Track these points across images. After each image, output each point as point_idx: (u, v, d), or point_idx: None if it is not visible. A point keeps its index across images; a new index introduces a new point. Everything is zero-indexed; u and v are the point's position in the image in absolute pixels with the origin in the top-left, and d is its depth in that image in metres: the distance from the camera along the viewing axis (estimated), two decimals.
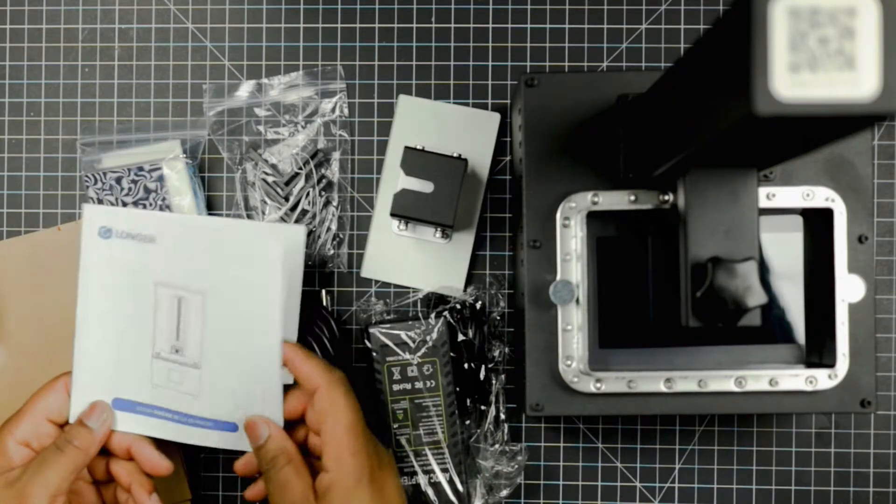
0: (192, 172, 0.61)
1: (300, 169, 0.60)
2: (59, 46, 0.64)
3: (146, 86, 0.63)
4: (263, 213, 0.60)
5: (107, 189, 0.60)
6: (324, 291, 0.62)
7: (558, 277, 0.52)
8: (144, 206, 0.60)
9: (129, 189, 0.60)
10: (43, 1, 0.64)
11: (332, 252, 0.61)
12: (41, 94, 0.64)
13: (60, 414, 0.51)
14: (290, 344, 0.51)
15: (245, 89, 0.62)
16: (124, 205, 0.60)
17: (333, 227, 0.61)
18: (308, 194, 0.60)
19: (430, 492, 0.59)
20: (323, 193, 0.61)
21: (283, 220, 0.60)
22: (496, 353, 0.61)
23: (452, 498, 0.59)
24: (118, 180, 0.60)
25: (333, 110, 0.62)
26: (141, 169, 0.60)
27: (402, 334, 0.59)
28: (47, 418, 0.51)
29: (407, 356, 0.59)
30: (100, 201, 0.60)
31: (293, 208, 0.60)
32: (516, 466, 0.59)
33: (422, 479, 0.59)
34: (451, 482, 0.59)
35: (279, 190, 0.60)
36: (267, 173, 0.60)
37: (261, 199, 0.60)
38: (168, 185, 0.59)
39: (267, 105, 0.62)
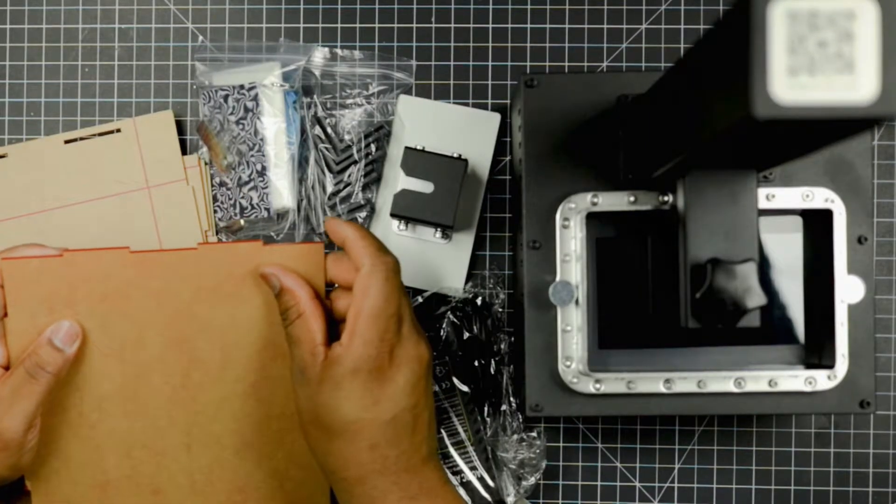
0: (290, 98, 0.61)
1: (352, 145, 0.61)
2: (59, 46, 0.64)
3: (146, 86, 0.63)
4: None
5: (216, 107, 0.61)
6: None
7: (558, 278, 0.52)
8: (243, 126, 0.60)
9: (233, 108, 0.61)
10: (43, 1, 0.64)
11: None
12: (41, 94, 0.64)
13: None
14: (353, 224, 0.50)
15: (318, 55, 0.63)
16: (229, 123, 0.61)
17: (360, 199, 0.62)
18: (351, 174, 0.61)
19: (462, 492, 0.60)
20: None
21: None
22: (502, 346, 0.61)
23: (485, 495, 0.59)
24: (226, 98, 0.61)
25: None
26: (242, 87, 0.61)
27: None
28: None
29: None
30: (211, 119, 0.61)
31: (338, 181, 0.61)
32: (538, 451, 0.59)
33: (452, 481, 0.60)
34: (481, 479, 0.60)
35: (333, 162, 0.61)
36: (321, 139, 0.61)
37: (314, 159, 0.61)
38: (261, 107, 0.60)
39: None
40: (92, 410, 0.52)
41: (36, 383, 0.47)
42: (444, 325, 0.59)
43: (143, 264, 0.50)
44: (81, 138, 0.62)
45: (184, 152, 0.63)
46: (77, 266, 0.49)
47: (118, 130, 0.62)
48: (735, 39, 0.31)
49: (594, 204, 0.52)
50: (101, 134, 0.62)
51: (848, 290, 0.51)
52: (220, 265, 0.51)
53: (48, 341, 0.49)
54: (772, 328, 0.54)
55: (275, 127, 0.60)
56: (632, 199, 0.51)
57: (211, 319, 0.51)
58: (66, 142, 0.62)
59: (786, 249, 0.54)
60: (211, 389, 0.52)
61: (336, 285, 0.51)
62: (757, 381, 0.51)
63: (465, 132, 0.62)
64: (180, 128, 0.63)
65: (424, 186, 0.58)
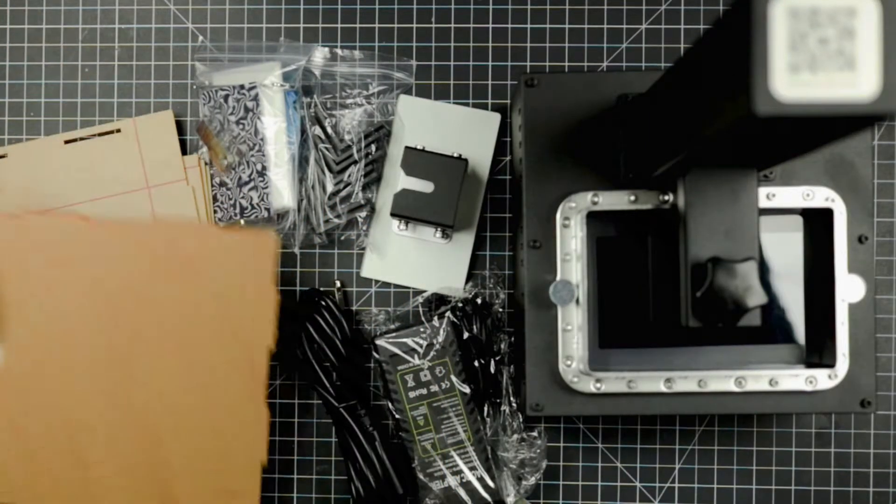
0: (290, 98, 0.61)
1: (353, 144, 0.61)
2: (59, 46, 0.64)
3: (146, 86, 0.63)
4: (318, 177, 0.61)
5: (216, 107, 0.61)
6: (339, 283, 0.62)
7: (558, 277, 0.52)
8: (243, 126, 0.60)
9: (234, 108, 0.61)
10: (43, 1, 0.64)
11: (361, 231, 0.62)
12: (41, 94, 0.64)
13: None
14: None
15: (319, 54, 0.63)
16: (229, 123, 0.61)
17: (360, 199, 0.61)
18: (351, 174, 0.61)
19: (462, 492, 0.59)
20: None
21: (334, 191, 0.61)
22: (502, 346, 0.61)
23: (485, 495, 0.59)
24: (226, 98, 0.61)
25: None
26: (242, 87, 0.61)
27: (409, 341, 0.59)
28: None
29: (417, 362, 0.59)
30: (210, 119, 0.61)
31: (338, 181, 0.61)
32: (539, 451, 0.59)
33: (452, 481, 0.59)
34: (480, 479, 0.60)
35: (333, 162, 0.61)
36: (321, 139, 0.61)
37: (314, 159, 0.61)
38: (262, 107, 0.60)
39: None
40: (24, 373, 0.51)
41: None
42: (443, 325, 0.59)
43: (100, 232, 0.49)
44: (81, 138, 0.62)
45: (184, 152, 0.63)
46: (35, 230, 0.49)
47: (118, 130, 0.62)
48: (736, 37, 0.31)
49: (594, 203, 0.52)
50: (101, 134, 0.62)
51: (848, 289, 0.51)
52: (174, 241, 0.50)
53: None
54: (772, 327, 0.54)
55: (275, 127, 0.60)
56: (632, 198, 0.51)
57: (156, 295, 0.51)
58: (66, 142, 0.62)
59: (786, 248, 0.54)
60: (146, 364, 0.52)
61: None
62: (757, 380, 0.51)
63: (465, 132, 0.62)
64: (180, 128, 0.63)
65: (424, 186, 0.58)
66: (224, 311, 0.51)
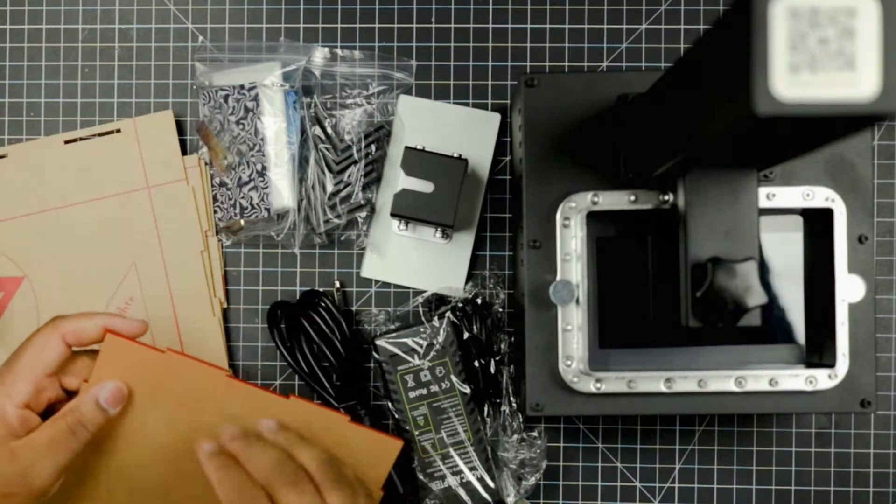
0: (290, 98, 0.61)
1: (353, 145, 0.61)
2: (59, 46, 0.64)
3: (146, 86, 0.63)
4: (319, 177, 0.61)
5: (216, 107, 0.61)
6: (338, 284, 0.62)
7: (558, 277, 0.52)
8: (243, 126, 0.60)
9: (234, 108, 0.60)
10: (43, 1, 0.64)
11: (361, 231, 0.62)
12: (41, 94, 0.64)
13: (58, 365, 0.48)
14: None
15: (319, 54, 0.63)
16: (229, 123, 0.60)
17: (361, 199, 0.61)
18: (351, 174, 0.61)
19: (462, 492, 0.59)
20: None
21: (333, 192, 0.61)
22: (502, 346, 0.61)
23: (485, 495, 0.59)
24: (226, 98, 0.61)
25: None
26: (242, 87, 0.61)
27: (409, 341, 0.59)
28: (45, 374, 0.48)
29: (417, 362, 0.59)
30: (210, 119, 0.61)
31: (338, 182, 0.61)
32: (539, 451, 0.59)
33: (452, 481, 0.59)
34: (481, 480, 0.60)
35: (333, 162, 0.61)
36: (321, 139, 0.60)
37: (314, 159, 0.61)
38: (262, 107, 0.60)
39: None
40: (120, 489, 0.51)
41: (74, 439, 0.47)
42: (444, 325, 0.59)
43: (230, 391, 0.49)
44: (81, 138, 0.62)
45: (184, 152, 0.63)
46: (171, 368, 0.48)
47: (118, 130, 0.62)
48: (736, 37, 0.31)
49: (594, 203, 0.52)
50: (101, 134, 0.62)
51: (848, 289, 0.51)
52: (307, 423, 0.49)
53: (94, 399, 0.48)
54: (772, 327, 0.54)
55: (275, 127, 0.60)
56: (632, 198, 0.51)
57: None
58: (66, 142, 0.62)
59: (786, 248, 0.54)
60: None
61: None
62: (757, 380, 0.51)
63: (465, 132, 0.62)
64: (180, 128, 0.63)
65: (424, 186, 0.58)
66: None
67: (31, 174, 0.62)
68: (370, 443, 0.51)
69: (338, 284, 0.62)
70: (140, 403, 0.49)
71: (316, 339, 0.59)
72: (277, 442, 0.48)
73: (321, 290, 0.62)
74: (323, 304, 0.60)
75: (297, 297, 0.62)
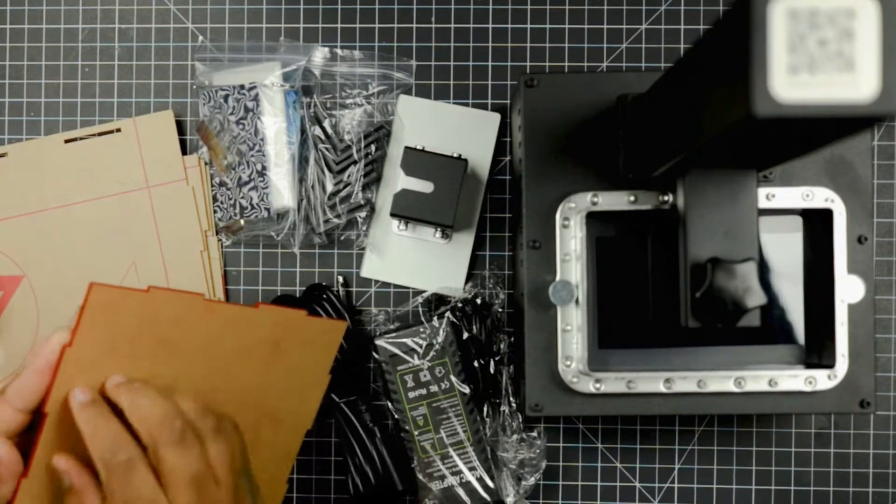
0: (290, 98, 0.61)
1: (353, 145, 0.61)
2: (59, 46, 0.64)
3: (146, 86, 0.63)
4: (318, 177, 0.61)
5: (216, 107, 0.61)
6: (341, 279, 0.62)
7: (558, 278, 0.52)
8: (243, 126, 0.60)
9: (234, 108, 0.61)
10: (43, 1, 0.64)
11: (361, 231, 0.62)
12: (41, 94, 0.64)
13: (20, 428, 0.42)
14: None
15: (318, 54, 0.63)
16: (229, 123, 0.61)
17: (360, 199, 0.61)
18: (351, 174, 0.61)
19: (462, 492, 0.59)
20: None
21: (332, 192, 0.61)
22: (502, 346, 0.61)
23: (485, 495, 0.59)
24: (226, 98, 0.61)
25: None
26: (243, 87, 0.61)
27: (409, 341, 0.59)
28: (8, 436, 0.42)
29: (417, 362, 0.59)
30: (210, 119, 0.61)
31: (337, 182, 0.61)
32: (538, 451, 0.59)
33: (451, 481, 0.60)
34: (480, 480, 0.60)
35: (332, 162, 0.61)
36: (321, 139, 0.60)
37: (314, 159, 0.61)
38: (262, 107, 0.60)
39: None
40: None
41: None
42: (443, 325, 0.59)
43: (209, 312, 0.49)
44: (81, 138, 0.62)
45: (184, 152, 0.63)
46: (154, 304, 0.48)
47: (118, 130, 0.62)
48: (735, 38, 0.31)
49: (594, 203, 0.52)
50: (101, 134, 0.62)
51: (848, 289, 0.51)
52: (269, 327, 0.50)
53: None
54: (772, 328, 0.54)
55: (275, 127, 0.60)
56: (632, 198, 0.51)
57: (237, 377, 0.50)
58: (67, 141, 0.62)
59: (786, 249, 0.54)
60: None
61: None
62: (757, 380, 0.51)
63: (465, 132, 0.62)
64: (180, 128, 0.63)
65: (424, 186, 0.58)
66: (284, 390, 0.51)
67: (31, 173, 0.62)
68: (322, 329, 0.52)
69: (341, 279, 0.62)
70: (124, 352, 0.48)
71: None
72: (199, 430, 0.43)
73: (324, 283, 0.62)
74: (326, 297, 0.60)
75: (298, 294, 0.62)
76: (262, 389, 0.51)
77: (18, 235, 0.62)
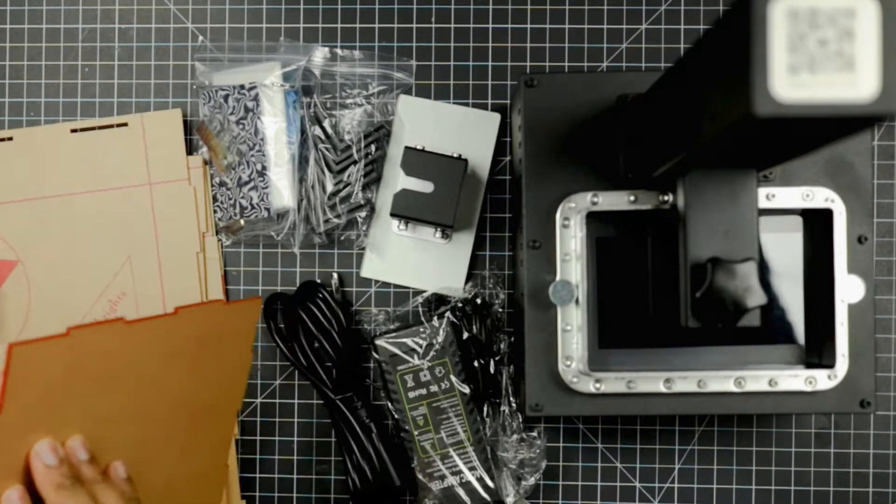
0: (290, 98, 0.61)
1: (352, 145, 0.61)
2: (59, 46, 0.64)
3: (146, 86, 0.63)
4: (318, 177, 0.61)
5: (216, 107, 0.61)
6: (336, 276, 0.62)
7: (558, 278, 0.52)
8: (243, 126, 0.60)
9: (234, 108, 0.61)
10: (43, 1, 0.64)
11: (361, 231, 0.62)
12: (41, 94, 0.64)
13: None
14: None
15: (319, 54, 0.63)
16: (229, 123, 0.61)
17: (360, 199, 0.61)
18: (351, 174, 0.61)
19: (462, 492, 0.59)
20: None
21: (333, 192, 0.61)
22: (502, 346, 0.61)
23: (485, 495, 0.59)
24: (226, 98, 0.61)
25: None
26: (243, 87, 0.61)
27: (409, 341, 0.59)
28: None
29: (417, 362, 0.59)
30: (210, 119, 0.61)
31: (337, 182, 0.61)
32: (538, 451, 0.59)
33: (451, 481, 0.60)
34: (480, 480, 0.60)
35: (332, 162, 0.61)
36: (321, 139, 0.60)
37: (314, 159, 0.61)
38: (262, 107, 0.60)
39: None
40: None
41: None
42: (443, 325, 0.59)
43: (132, 335, 0.49)
44: (88, 129, 0.62)
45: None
46: (77, 344, 0.47)
47: (125, 124, 0.62)
48: (736, 38, 0.31)
49: (594, 203, 0.52)
50: (107, 126, 0.62)
51: (848, 289, 0.51)
52: (191, 327, 0.50)
53: None
54: (772, 328, 0.54)
55: (275, 127, 0.60)
56: (632, 198, 0.51)
57: (168, 383, 0.50)
58: (73, 131, 0.62)
59: (786, 249, 0.54)
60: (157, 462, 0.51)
61: None
62: (757, 380, 0.51)
63: (465, 132, 0.62)
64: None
65: (424, 186, 0.58)
66: (214, 382, 0.52)
67: (34, 160, 0.62)
68: (239, 311, 0.52)
69: (336, 277, 0.62)
70: (57, 400, 0.48)
71: (314, 330, 0.60)
72: (86, 477, 0.45)
73: (319, 282, 0.62)
74: (321, 295, 0.60)
75: (295, 288, 0.62)
76: (193, 388, 0.51)
77: (17, 221, 0.62)
